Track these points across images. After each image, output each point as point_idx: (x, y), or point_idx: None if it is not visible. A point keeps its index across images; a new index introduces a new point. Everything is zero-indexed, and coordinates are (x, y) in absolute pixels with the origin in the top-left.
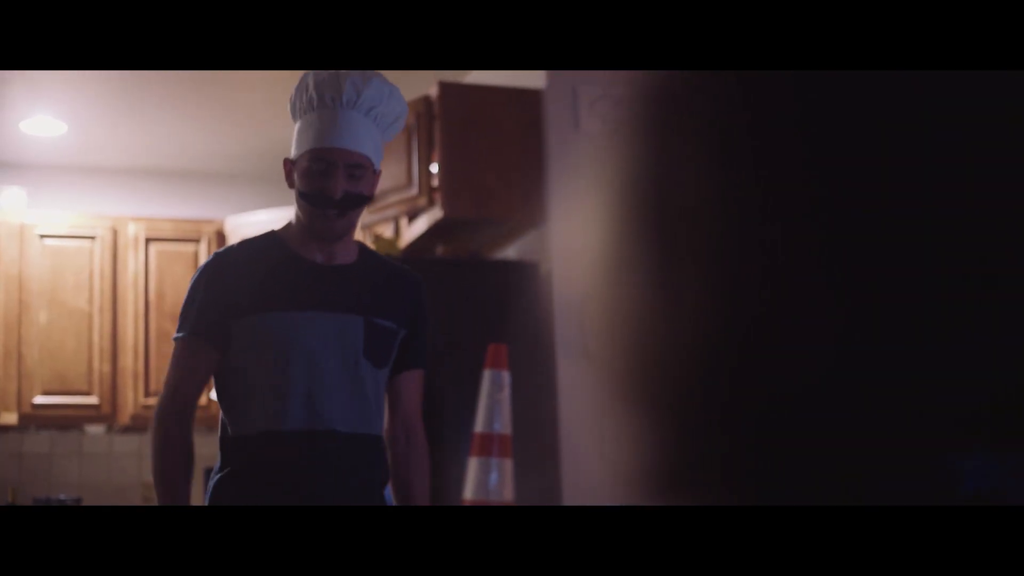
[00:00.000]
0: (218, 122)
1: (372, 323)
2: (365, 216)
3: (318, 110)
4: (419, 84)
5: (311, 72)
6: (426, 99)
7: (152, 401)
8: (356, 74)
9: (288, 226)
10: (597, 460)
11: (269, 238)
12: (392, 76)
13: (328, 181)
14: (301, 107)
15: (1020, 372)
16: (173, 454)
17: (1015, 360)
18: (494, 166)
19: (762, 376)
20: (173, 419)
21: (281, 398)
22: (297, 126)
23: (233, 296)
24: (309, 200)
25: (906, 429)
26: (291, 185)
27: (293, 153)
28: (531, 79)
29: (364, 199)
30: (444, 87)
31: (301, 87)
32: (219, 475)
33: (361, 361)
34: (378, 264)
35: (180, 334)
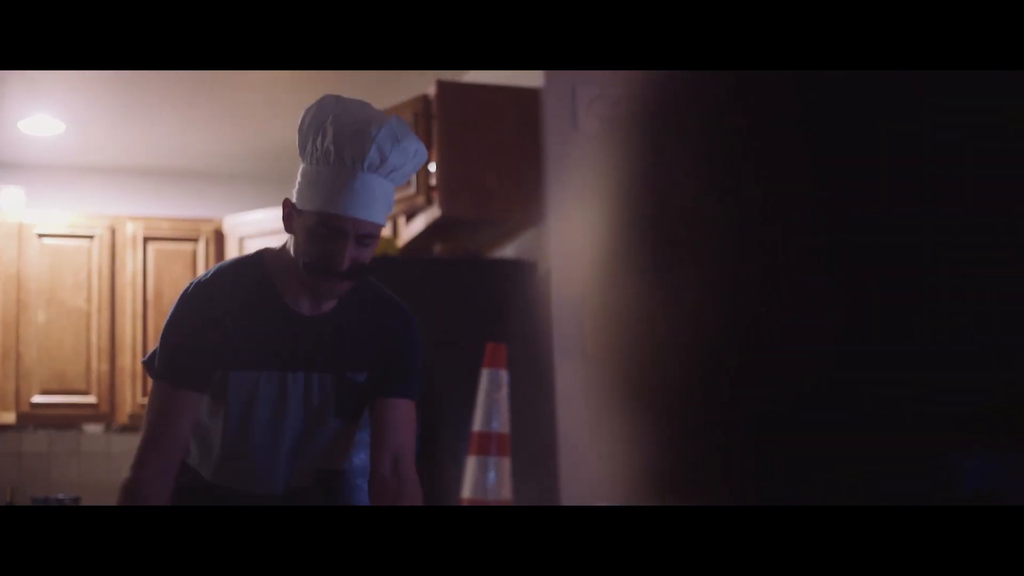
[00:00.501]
0: (217, 121)
1: (344, 379)
2: None
3: (335, 167)
4: (417, 83)
5: (331, 111)
6: (424, 98)
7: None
8: (384, 135)
9: (280, 254)
10: (595, 460)
11: (256, 273)
12: (391, 76)
13: (336, 251)
14: (315, 154)
15: (1020, 372)
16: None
17: (1015, 360)
18: (492, 165)
19: (761, 376)
20: (148, 487)
21: (241, 456)
22: (306, 170)
23: (218, 344)
24: (312, 271)
25: (906, 429)
26: (288, 230)
27: (297, 200)
28: (529, 78)
29: (369, 269)
30: (442, 86)
31: (316, 129)
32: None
33: (331, 420)
34: (362, 302)
35: (159, 375)
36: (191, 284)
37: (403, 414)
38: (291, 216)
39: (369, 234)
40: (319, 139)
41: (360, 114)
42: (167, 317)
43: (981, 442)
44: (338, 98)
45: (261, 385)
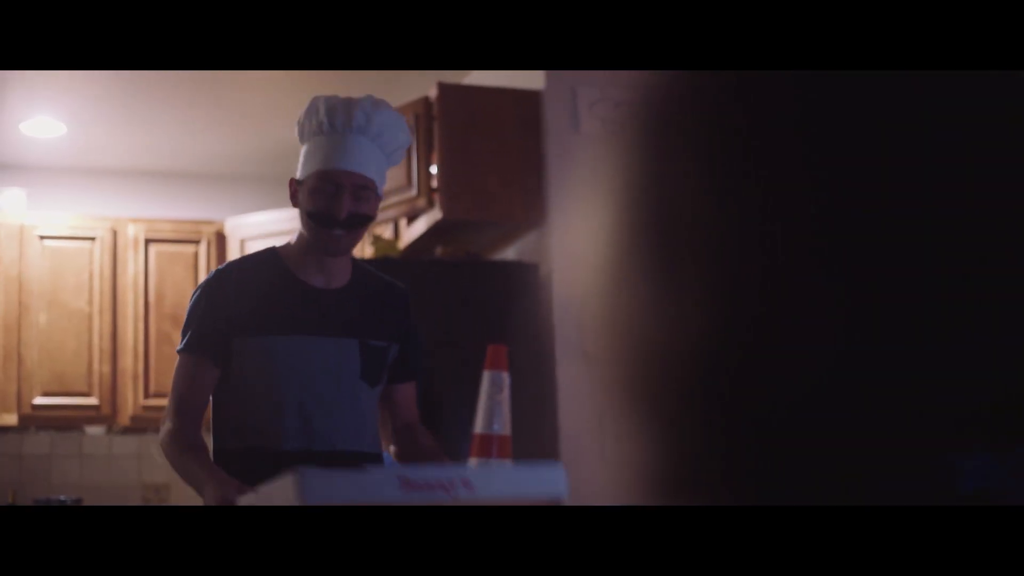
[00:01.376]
0: (218, 123)
1: (367, 345)
2: None
3: (327, 134)
4: (418, 85)
5: (321, 97)
6: (425, 100)
7: (152, 402)
8: (366, 101)
9: (288, 245)
10: (598, 462)
11: (269, 257)
12: (392, 76)
13: (335, 202)
14: (310, 130)
15: (1019, 372)
16: (189, 451)
17: (1014, 360)
18: (493, 167)
19: (762, 377)
20: (191, 431)
21: (279, 418)
22: (305, 148)
23: (233, 315)
24: (316, 220)
25: (906, 429)
26: (296, 205)
27: (300, 174)
28: (530, 80)
29: (368, 219)
30: (443, 88)
31: (311, 110)
32: None
33: (358, 383)
34: (369, 282)
35: (182, 348)
36: (209, 274)
37: (411, 394)
38: (296, 192)
39: (364, 186)
40: (313, 117)
41: (344, 96)
42: (189, 304)
43: (981, 442)
44: (327, 95)
45: (282, 349)
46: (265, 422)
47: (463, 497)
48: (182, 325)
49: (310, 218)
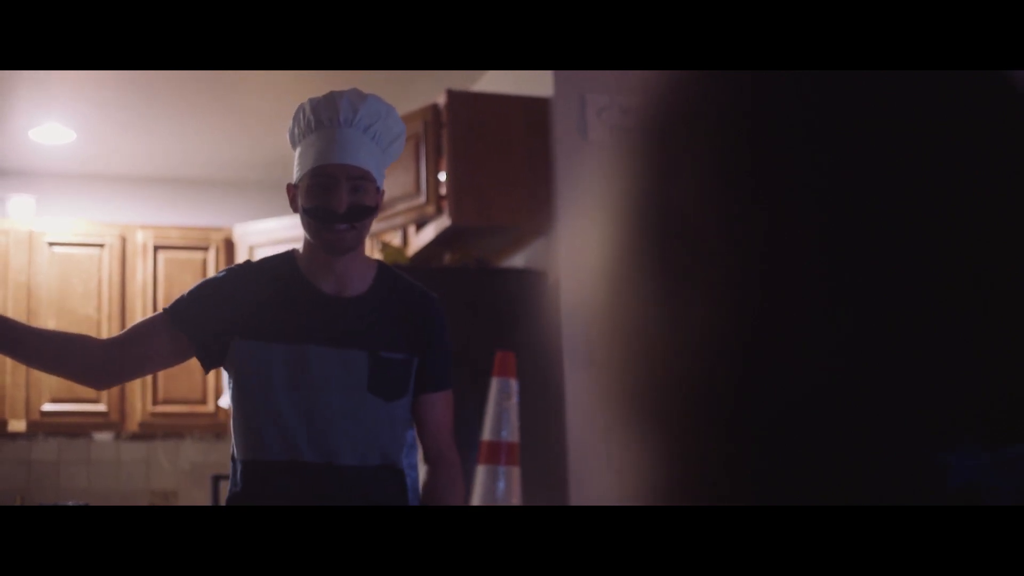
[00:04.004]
0: (227, 130)
1: (378, 357)
2: (373, 224)
3: (316, 131)
4: (427, 92)
5: (306, 101)
6: (434, 107)
7: (161, 409)
8: (351, 93)
9: (303, 249)
10: (605, 468)
11: (285, 260)
12: (401, 82)
13: (332, 196)
14: (300, 132)
15: (1007, 372)
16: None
17: (1002, 360)
18: (502, 174)
19: (763, 382)
20: (98, 343)
21: (270, 427)
22: (297, 152)
23: (235, 315)
24: (314, 215)
25: (898, 428)
26: (295, 209)
27: (295, 177)
28: (539, 87)
29: (370, 210)
30: (452, 95)
31: (298, 114)
32: (230, 492)
33: (365, 396)
34: (392, 290)
35: (165, 311)
36: (228, 266)
37: (439, 406)
38: (295, 196)
39: (360, 177)
40: (301, 118)
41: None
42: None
43: (969, 440)
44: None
45: (279, 356)
46: (257, 431)
47: None
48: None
49: (309, 216)
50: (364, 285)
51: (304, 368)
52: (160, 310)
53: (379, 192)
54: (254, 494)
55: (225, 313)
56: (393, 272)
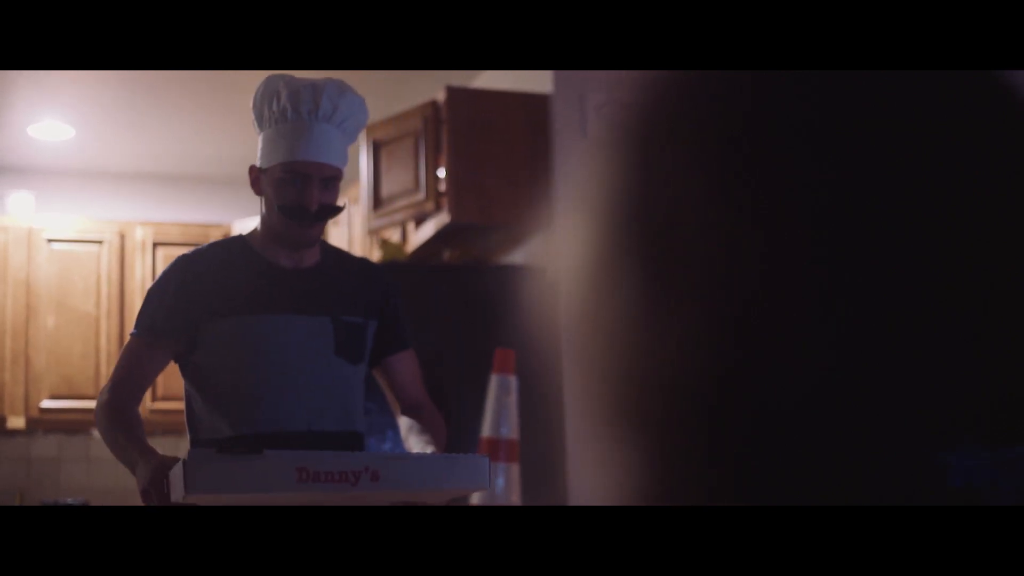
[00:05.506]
0: (225, 126)
1: (340, 321)
2: (372, 221)
3: (292, 122)
4: (426, 89)
5: (280, 79)
6: (433, 104)
7: (159, 406)
8: (331, 87)
9: (255, 232)
10: (600, 466)
11: (237, 242)
12: (400, 79)
13: (304, 194)
14: (272, 116)
15: (1007, 371)
16: (122, 425)
17: (1002, 359)
18: (501, 171)
19: (756, 382)
20: (128, 406)
21: (255, 401)
22: (266, 134)
23: (204, 299)
24: (287, 213)
25: (897, 427)
26: (257, 192)
27: (261, 162)
28: (538, 84)
29: (338, 209)
30: (451, 92)
31: (270, 95)
32: None
33: (333, 360)
34: (340, 261)
35: (137, 332)
36: (173, 260)
37: (409, 364)
38: (258, 179)
39: (332, 177)
40: (274, 103)
41: (305, 79)
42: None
43: (970, 439)
44: (281, 74)
45: (253, 329)
46: (237, 405)
47: (369, 488)
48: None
49: (280, 212)
50: (314, 258)
51: (273, 338)
52: (133, 329)
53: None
54: None
55: (186, 301)
56: (333, 246)
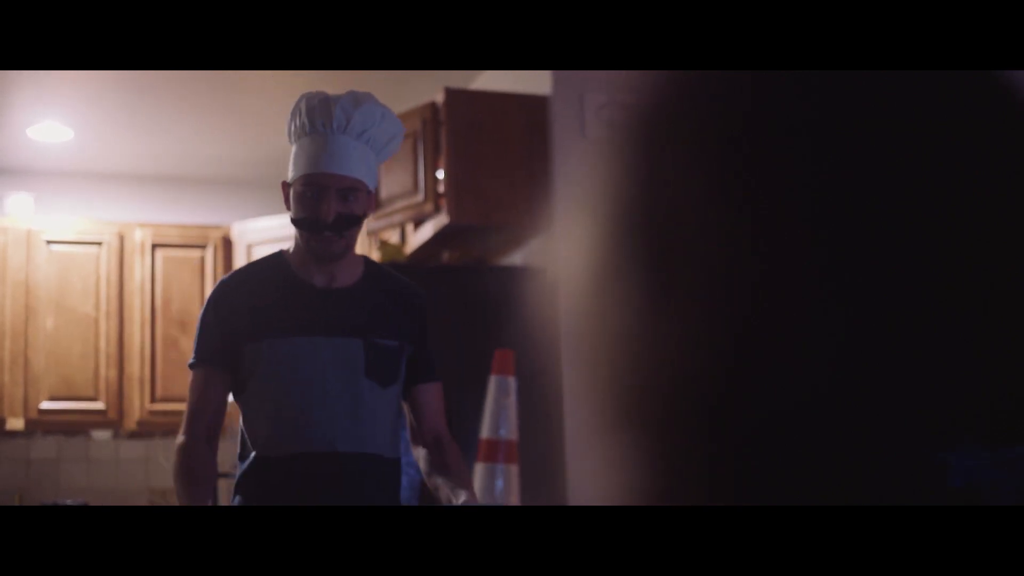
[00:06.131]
0: (225, 128)
1: (373, 343)
2: (371, 222)
3: (310, 135)
4: (425, 90)
5: (304, 96)
6: (432, 105)
7: (159, 407)
8: (347, 98)
9: (293, 248)
10: (600, 467)
11: (274, 260)
12: (399, 80)
13: (320, 205)
14: (295, 131)
15: (1007, 371)
16: (198, 484)
17: (1003, 359)
18: (500, 172)
19: (757, 382)
20: (198, 446)
21: (281, 422)
22: (293, 150)
23: (239, 321)
24: (302, 225)
25: (898, 427)
26: (289, 208)
27: (289, 176)
28: (537, 85)
29: (358, 219)
30: (450, 93)
31: (295, 111)
32: (234, 499)
33: (363, 381)
34: (381, 282)
35: (192, 363)
36: (216, 284)
37: (435, 396)
38: (288, 195)
39: (350, 188)
40: (296, 118)
41: (326, 93)
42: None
43: (970, 439)
44: (314, 92)
45: (283, 350)
46: (270, 427)
47: None
48: (194, 335)
49: (296, 224)
50: (353, 277)
51: (303, 359)
52: (190, 360)
53: (370, 195)
54: (263, 485)
55: (228, 325)
56: (378, 266)
